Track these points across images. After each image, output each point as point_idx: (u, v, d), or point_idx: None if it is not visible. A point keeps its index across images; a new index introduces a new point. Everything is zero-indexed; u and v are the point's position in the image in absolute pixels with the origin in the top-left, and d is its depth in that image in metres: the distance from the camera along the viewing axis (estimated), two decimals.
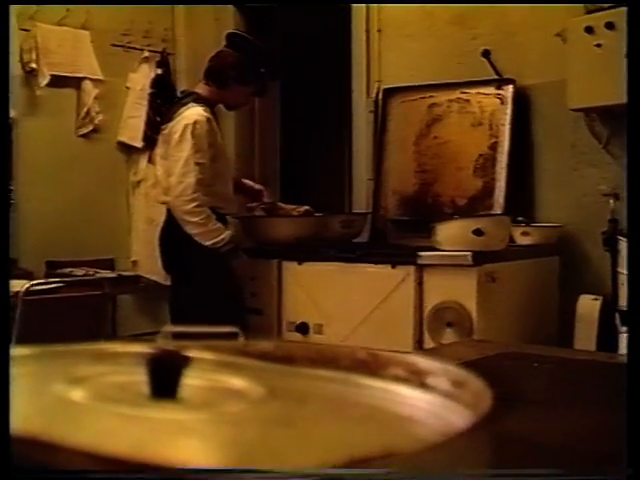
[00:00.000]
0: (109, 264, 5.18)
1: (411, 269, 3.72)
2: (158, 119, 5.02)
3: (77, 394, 0.60)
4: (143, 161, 5.45)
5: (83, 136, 5.25)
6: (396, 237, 4.67)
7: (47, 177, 5.04)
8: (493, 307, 3.66)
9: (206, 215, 3.85)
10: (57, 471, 0.47)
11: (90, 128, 5.26)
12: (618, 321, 3.61)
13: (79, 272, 4.71)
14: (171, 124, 3.93)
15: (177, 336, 0.72)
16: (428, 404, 0.63)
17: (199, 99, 3.98)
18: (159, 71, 5.54)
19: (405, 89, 4.83)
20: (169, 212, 3.97)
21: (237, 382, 0.65)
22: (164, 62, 5.59)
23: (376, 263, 3.84)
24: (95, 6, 5.17)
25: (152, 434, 0.53)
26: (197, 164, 3.81)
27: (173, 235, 3.94)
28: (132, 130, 5.42)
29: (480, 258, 3.58)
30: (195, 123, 3.83)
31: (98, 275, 4.69)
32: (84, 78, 5.19)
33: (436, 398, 0.64)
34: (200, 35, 5.60)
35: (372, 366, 0.70)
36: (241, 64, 4.03)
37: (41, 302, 3.79)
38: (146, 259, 5.15)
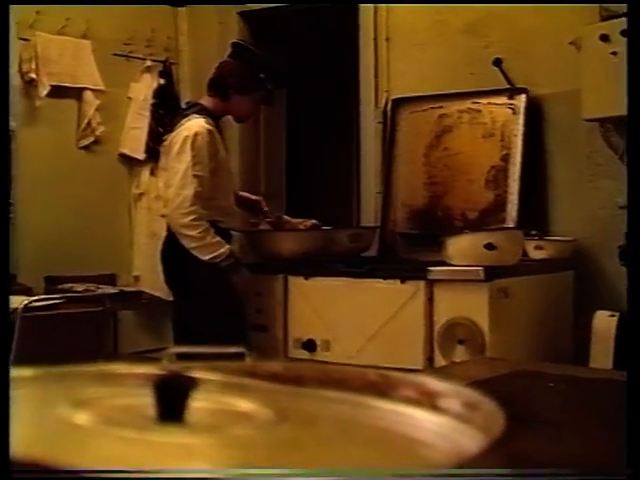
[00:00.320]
0: (110, 279, 5.16)
1: (421, 284, 3.70)
2: (160, 130, 5.05)
3: (81, 417, 0.60)
4: (145, 173, 5.44)
5: (84, 148, 5.22)
6: (405, 251, 4.68)
7: (47, 190, 4.99)
8: (506, 323, 3.65)
9: (204, 229, 3.80)
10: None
11: (91, 140, 5.22)
12: None
13: (80, 287, 4.69)
14: (172, 135, 3.93)
15: (182, 357, 0.73)
16: (439, 426, 0.63)
17: (202, 110, 3.97)
18: (162, 81, 5.53)
19: (414, 99, 4.82)
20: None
21: (244, 404, 0.65)
22: (167, 72, 5.57)
23: (385, 278, 3.82)
24: (96, 15, 5.16)
25: (159, 458, 0.54)
26: (195, 176, 3.77)
27: (174, 249, 3.91)
28: (134, 142, 5.40)
29: (492, 273, 3.56)
30: (196, 135, 3.80)
31: (99, 291, 4.66)
32: (85, 88, 5.16)
33: (447, 420, 0.64)
34: (204, 44, 5.59)
35: (382, 387, 0.70)
36: (240, 73, 4.00)
37: (40, 319, 3.74)
38: (148, 274, 5.12)
